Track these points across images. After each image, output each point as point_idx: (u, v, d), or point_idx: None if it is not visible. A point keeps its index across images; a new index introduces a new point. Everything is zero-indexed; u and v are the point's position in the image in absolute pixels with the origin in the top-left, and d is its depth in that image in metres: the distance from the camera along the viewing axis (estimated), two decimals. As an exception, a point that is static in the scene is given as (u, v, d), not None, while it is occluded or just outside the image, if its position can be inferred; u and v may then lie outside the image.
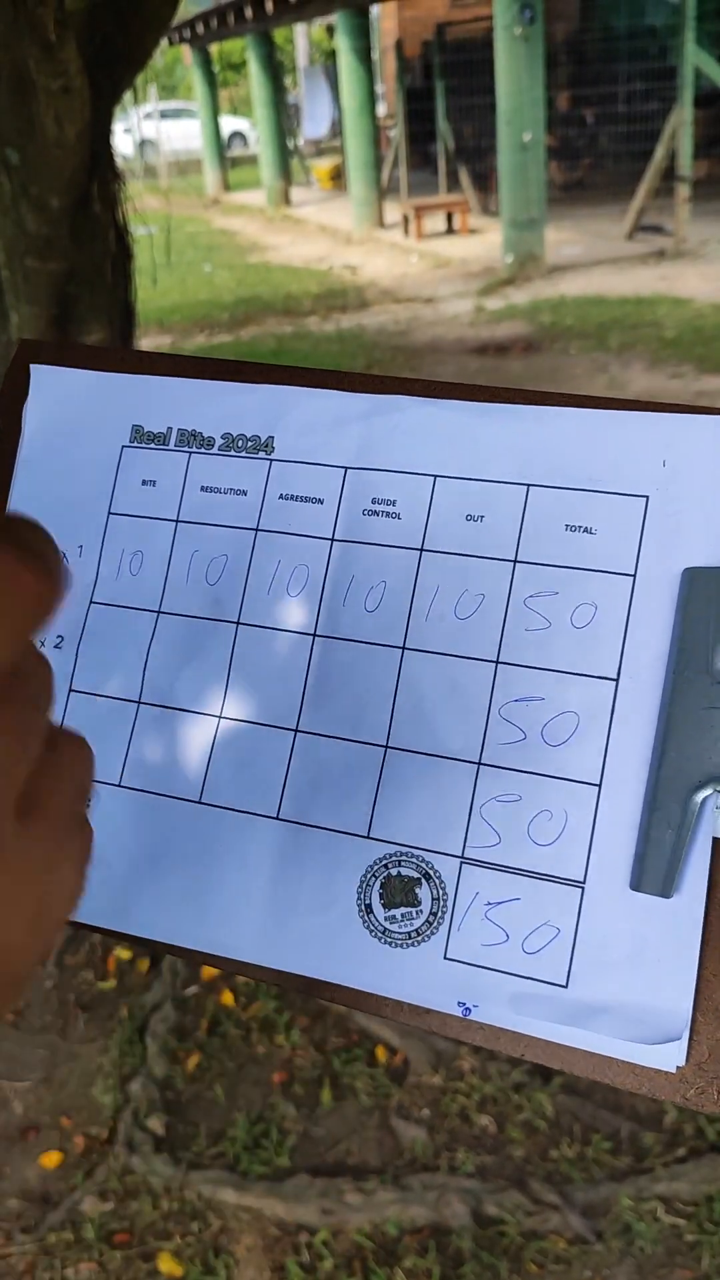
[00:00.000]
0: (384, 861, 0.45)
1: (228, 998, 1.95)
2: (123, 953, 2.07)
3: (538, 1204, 1.55)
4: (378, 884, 0.45)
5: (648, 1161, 1.60)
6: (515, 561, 0.46)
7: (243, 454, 0.51)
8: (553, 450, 0.47)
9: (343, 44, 10.48)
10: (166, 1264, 1.50)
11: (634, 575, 0.45)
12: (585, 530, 0.45)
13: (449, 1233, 1.52)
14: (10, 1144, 1.71)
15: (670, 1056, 0.41)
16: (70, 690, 0.51)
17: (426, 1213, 1.55)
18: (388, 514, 0.48)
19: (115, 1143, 1.70)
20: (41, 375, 0.55)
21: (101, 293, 2.52)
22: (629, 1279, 1.44)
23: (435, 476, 0.48)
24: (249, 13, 11.02)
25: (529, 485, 0.47)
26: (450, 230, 9.97)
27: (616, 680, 0.44)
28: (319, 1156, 1.65)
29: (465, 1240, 1.50)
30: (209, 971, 2.01)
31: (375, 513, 0.49)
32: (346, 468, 0.50)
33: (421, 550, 0.48)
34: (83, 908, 0.48)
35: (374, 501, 0.49)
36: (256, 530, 0.50)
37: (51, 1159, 1.68)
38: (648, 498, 0.45)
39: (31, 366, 0.55)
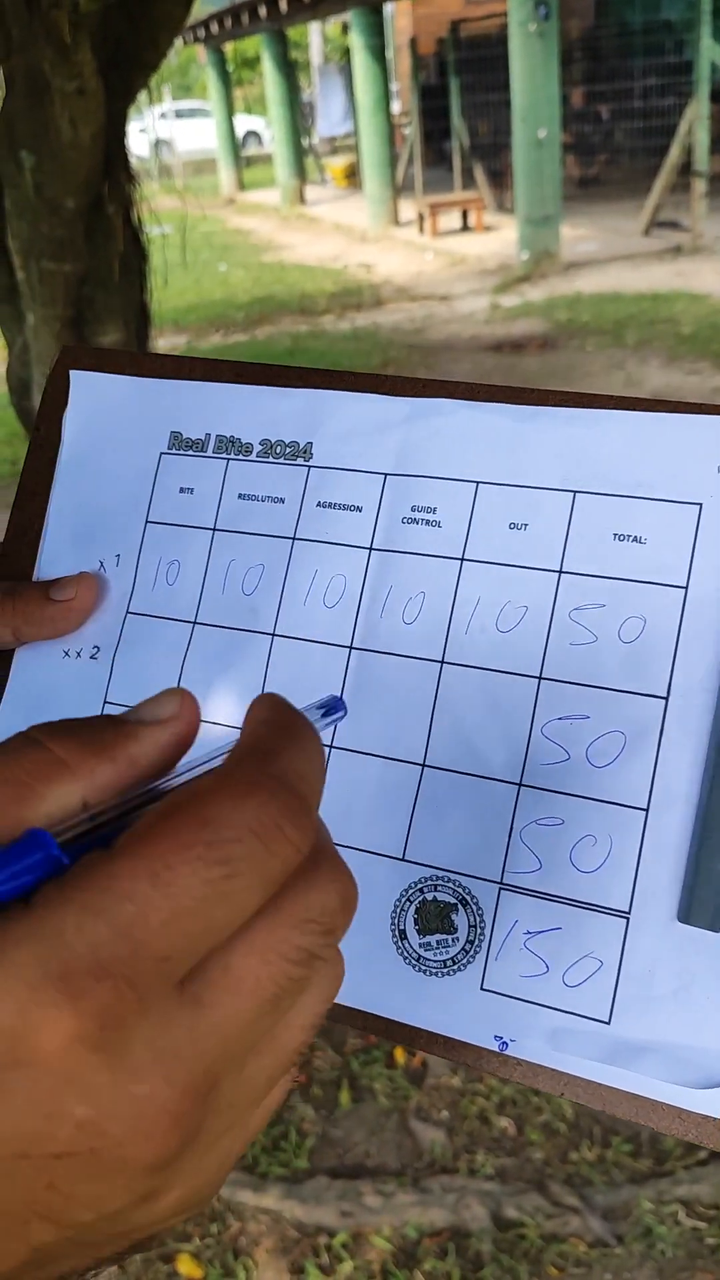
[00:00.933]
0: (419, 885, 0.43)
1: (246, 999, 1.95)
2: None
3: (558, 1207, 1.54)
4: (412, 909, 0.43)
5: (668, 1164, 1.59)
6: (560, 572, 0.44)
7: (281, 460, 0.50)
8: (601, 455, 0.45)
9: (357, 42, 10.48)
10: (186, 1266, 1.50)
11: (685, 587, 0.42)
12: (634, 539, 0.43)
13: (468, 1235, 1.51)
14: (30, 1145, 1.72)
15: (718, 1101, 0.38)
16: (105, 702, 0.50)
17: (446, 1215, 1.54)
18: (428, 522, 0.47)
19: (134, 1144, 1.70)
20: (81, 382, 0.54)
21: (117, 293, 2.53)
22: (650, 1283, 1.44)
23: (477, 483, 0.46)
24: (263, 11, 11.03)
25: (575, 492, 0.45)
26: (465, 227, 9.96)
27: (666, 698, 0.42)
28: (338, 1158, 1.65)
29: (485, 1243, 1.50)
30: (227, 972, 2.01)
31: (415, 521, 0.47)
32: (386, 474, 0.48)
33: (462, 560, 0.46)
34: None
35: (414, 509, 0.47)
36: (294, 539, 0.49)
37: (71, 1160, 1.68)
38: (701, 505, 0.43)
39: (71, 373, 0.55)
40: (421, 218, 10.00)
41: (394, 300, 7.73)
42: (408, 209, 10.83)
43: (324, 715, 0.34)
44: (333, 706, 0.34)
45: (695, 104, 7.86)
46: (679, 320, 6.08)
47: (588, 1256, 1.47)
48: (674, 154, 8.04)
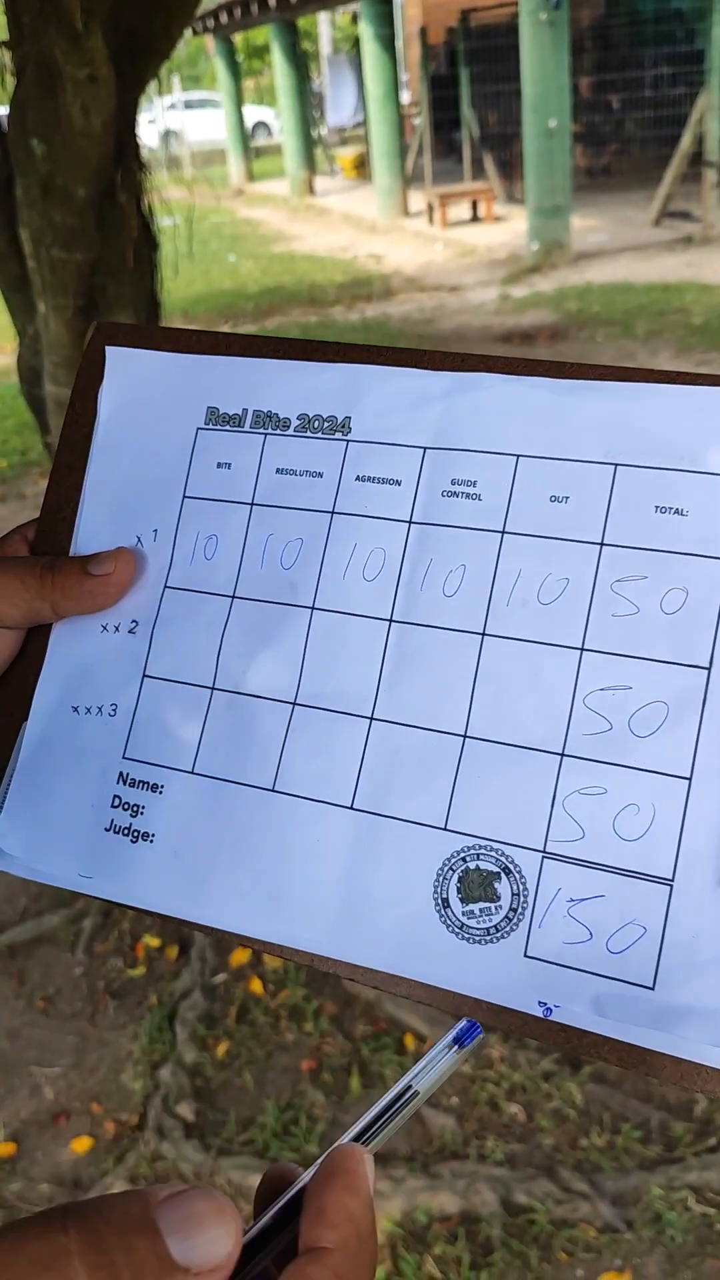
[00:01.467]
0: (462, 854, 0.44)
1: (256, 985, 1.96)
2: (152, 940, 2.09)
3: (567, 1192, 1.55)
4: (455, 877, 0.43)
5: (678, 1151, 1.59)
6: (602, 544, 0.44)
7: (319, 435, 0.50)
8: (642, 428, 0.45)
9: (366, 31, 10.45)
10: (197, 1249, 1.51)
11: None
12: (676, 512, 0.44)
13: (478, 1220, 1.52)
14: (41, 1129, 1.73)
15: None
16: (144, 676, 0.50)
17: (456, 1200, 1.55)
18: (468, 495, 0.47)
19: (145, 1128, 1.71)
20: (116, 358, 0.54)
21: (127, 283, 2.53)
22: (659, 1268, 1.44)
23: (518, 456, 0.47)
24: (272, 1, 11.00)
25: (617, 465, 0.45)
26: (475, 218, 9.93)
27: (709, 669, 0.42)
28: (348, 1144, 1.66)
29: (495, 1228, 1.51)
30: (238, 959, 2.02)
31: (455, 494, 0.47)
32: (425, 448, 0.48)
33: (503, 532, 0.46)
34: (151, 896, 0.47)
35: (454, 482, 0.47)
36: (333, 513, 0.49)
37: (82, 1144, 1.69)
38: None
39: (107, 349, 0.54)
40: (431, 208, 9.97)
41: (404, 291, 7.72)
42: (417, 200, 10.80)
43: (456, 1045, 0.39)
44: (466, 1034, 0.39)
45: (706, 94, 7.82)
46: (690, 311, 6.06)
47: (597, 1242, 1.48)
48: (685, 144, 8.01)
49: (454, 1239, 1.50)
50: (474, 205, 9.98)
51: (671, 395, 0.45)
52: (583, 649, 0.44)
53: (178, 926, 0.48)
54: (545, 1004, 0.41)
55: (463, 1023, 0.40)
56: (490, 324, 6.45)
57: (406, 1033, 1.83)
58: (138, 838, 0.48)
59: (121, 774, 0.49)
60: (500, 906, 0.43)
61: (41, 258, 2.35)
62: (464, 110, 10.49)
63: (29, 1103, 1.77)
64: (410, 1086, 0.38)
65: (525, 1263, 1.46)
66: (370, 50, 10.48)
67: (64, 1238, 0.26)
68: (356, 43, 13.51)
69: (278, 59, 13.31)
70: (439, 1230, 1.51)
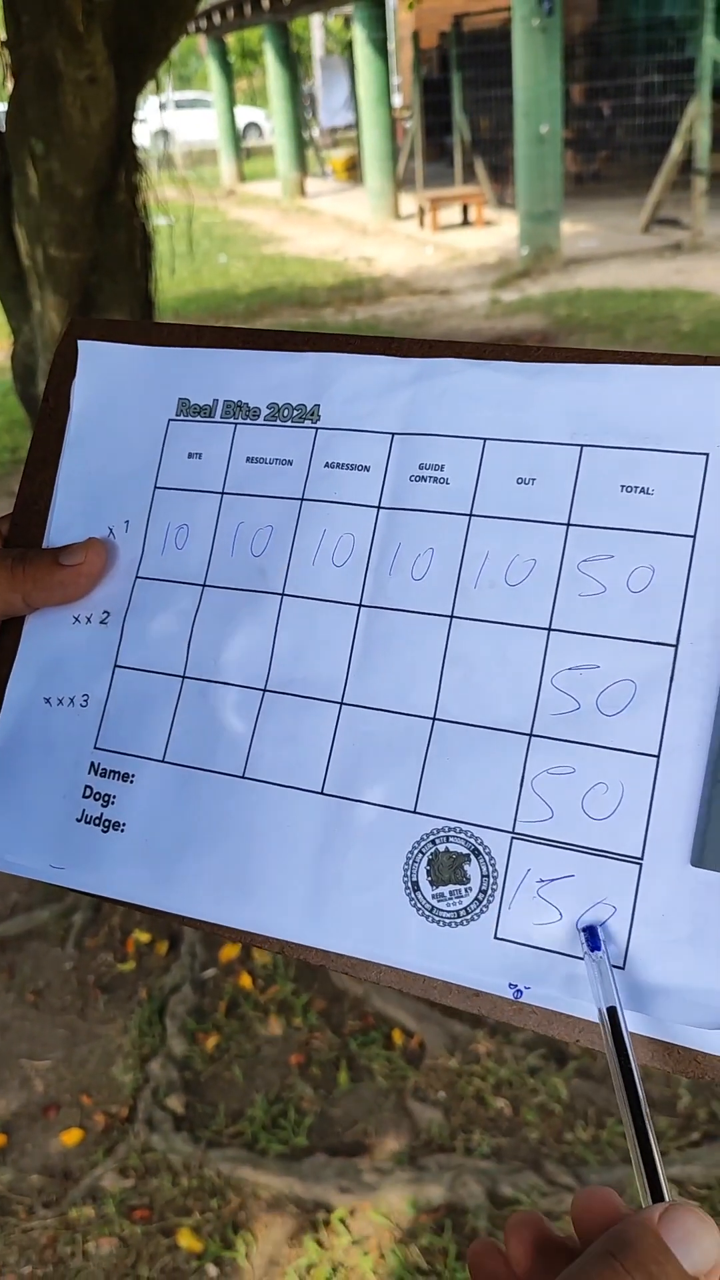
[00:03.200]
0: (431, 837, 0.44)
1: (246, 980, 1.97)
2: (142, 935, 2.10)
3: (553, 1185, 1.57)
4: (425, 860, 0.43)
5: (662, 1145, 1.61)
6: (568, 525, 0.44)
7: (289, 424, 0.50)
8: (608, 409, 0.45)
9: (359, 35, 10.48)
10: (186, 1239, 1.53)
11: (694, 536, 0.43)
12: (642, 491, 0.44)
13: (465, 1212, 1.54)
14: (32, 1121, 1.74)
15: None
16: (116, 666, 0.50)
17: (443, 1192, 1.57)
18: (435, 479, 0.47)
19: (135, 1121, 1.72)
20: (89, 352, 0.55)
21: (123, 282, 2.54)
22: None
23: (485, 440, 0.47)
24: (265, 3, 11.01)
25: (583, 446, 0.45)
26: (466, 222, 9.96)
27: (676, 646, 0.42)
28: (336, 1136, 1.68)
29: (481, 1220, 1.52)
30: (228, 954, 2.03)
31: (423, 478, 0.47)
32: (393, 434, 0.48)
33: (470, 515, 0.46)
34: (122, 886, 0.47)
35: (421, 467, 0.47)
36: (302, 500, 0.49)
37: (72, 1136, 1.70)
38: (708, 455, 0.43)
39: (79, 343, 0.55)
40: (422, 212, 9.99)
41: (394, 294, 7.74)
42: (408, 203, 10.83)
43: (593, 950, 0.41)
44: (591, 938, 0.41)
45: (697, 101, 7.86)
46: (678, 317, 6.10)
47: (582, 1233, 1.50)
48: (675, 151, 8.05)
49: (440, 1231, 1.52)
50: (465, 209, 10.01)
51: (636, 376, 0.45)
52: (550, 629, 0.44)
53: (167, 921, 0.48)
54: (515, 986, 0.41)
55: (580, 934, 0.41)
56: (480, 328, 6.47)
57: (394, 1028, 1.85)
58: (109, 827, 0.48)
59: (93, 764, 0.49)
60: (470, 889, 0.43)
61: (38, 256, 2.37)
62: (456, 114, 10.51)
63: (19, 1095, 1.79)
64: (611, 1007, 0.39)
65: (511, 1254, 1.48)
66: (363, 54, 10.51)
67: (625, 1276, 0.32)
68: (349, 46, 13.53)
69: (270, 60, 13.32)
70: (426, 1222, 1.53)
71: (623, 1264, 0.32)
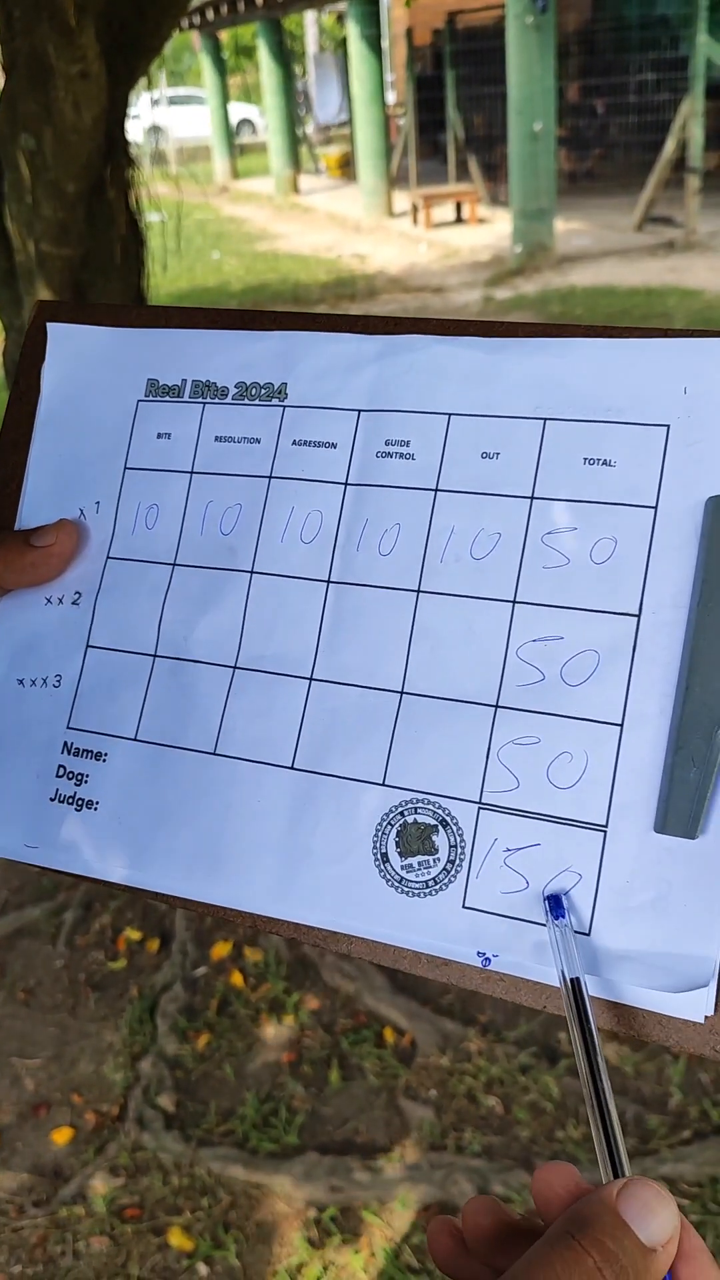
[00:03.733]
0: (399, 809, 0.44)
1: (237, 978, 1.97)
2: (133, 933, 2.09)
3: (544, 1183, 1.56)
4: (394, 832, 0.44)
5: (653, 1144, 1.61)
6: (532, 498, 0.45)
7: (256, 402, 0.51)
8: (570, 382, 0.46)
9: (353, 31, 10.46)
10: (177, 1238, 1.52)
11: (655, 507, 0.43)
12: (604, 463, 0.44)
13: (456, 1211, 1.54)
14: (22, 1120, 1.73)
15: (698, 1005, 0.39)
16: (88, 646, 0.51)
17: (434, 1191, 1.56)
18: (401, 455, 0.47)
19: (126, 1120, 1.72)
20: (58, 334, 0.55)
21: (115, 278, 2.53)
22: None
23: (450, 415, 0.47)
24: (259, -1, 10.99)
25: (546, 419, 0.46)
26: (459, 220, 9.95)
27: (638, 616, 0.43)
28: (327, 1135, 1.67)
29: (472, 1218, 1.52)
30: (219, 952, 2.03)
31: (389, 454, 0.48)
32: (360, 410, 0.49)
33: (436, 490, 0.47)
34: (94, 863, 0.48)
35: (387, 443, 0.48)
36: (270, 478, 0.49)
37: (63, 1135, 1.70)
38: (668, 426, 0.44)
39: (48, 325, 0.55)
40: (416, 209, 9.99)
41: (387, 291, 7.73)
42: (402, 200, 10.81)
43: (557, 918, 0.41)
44: (555, 907, 0.41)
45: (690, 100, 7.87)
46: (671, 315, 6.10)
47: (573, 1232, 1.50)
48: (668, 149, 8.06)
49: (431, 1229, 1.51)
50: (458, 207, 10.00)
51: (597, 349, 0.46)
52: (515, 601, 0.44)
53: (158, 918, 0.48)
54: (484, 954, 0.42)
55: (544, 903, 0.41)
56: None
57: (386, 1026, 1.84)
58: (82, 806, 0.49)
59: (66, 744, 0.50)
60: (438, 859, 0.43)
61: (30, 252, 2.36)
62: (449, 112, 10.51)
63: (10, 1093, 1.78)
64: (575, 978, 0.39)
65: (502, 1252, 1.48)
66: (356, 50, 10.49)
67: (584, 1255, 0.32)
68: (343, 42, 13.52)
69: (264, 57, 13.29)
70: (417, 1220, 1.53)
71: (581, 1242, 0.32)
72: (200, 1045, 1.84)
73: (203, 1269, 1.49)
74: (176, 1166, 1.63)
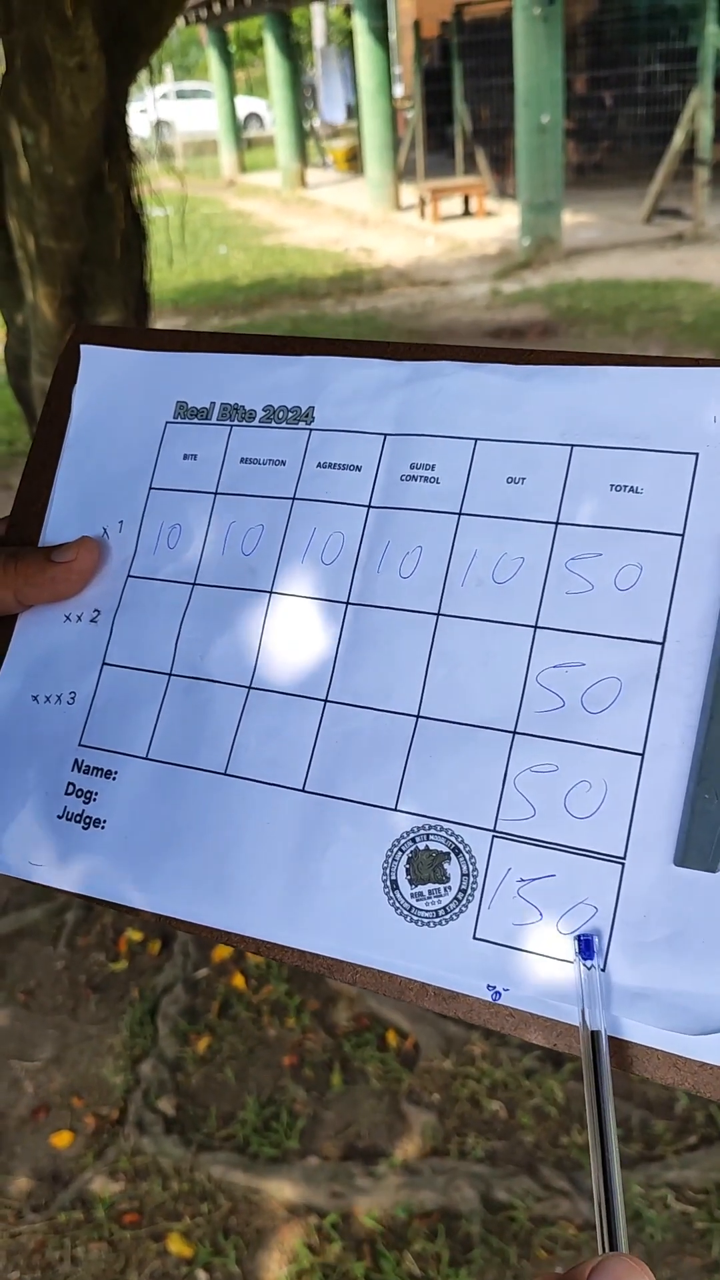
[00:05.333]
0: (411, 835, 0.43)
1: (239, 980, 1.95)
2: (134, 934, 2.08)
3: (548, 1190, 1.55)
4: (404, 859, 0.43)
5: (659, 1149, 1.59)
6: (557, 523, 0.45)
7: (283, 425, 0.51)
8: (598, 409, 0.46)
9: (360, 24, 10.41)
10: (176, 1244, 1.51)
11: (682, 535, 0.43)
12: (631, 490, 0.44)
13: (458, 1217, 1.52)
14: (21, 1123, 1.72)
15: (717, 1048, 0.38)
16: (104, 664, 0.50)
17: (436, 1197, 1.55)
18: (426, 479, 0.47)
19: (126, 1123, 1.70)
20: (90, 356, 0.56)
21: (117, 273, 2.51)
22: (638, 1266, 1.44)
23: (476, 440, 0.47)
24: (266, -8, 10.95)
25: (573, 445, 0.45)
26: (467, 213, 9.92)
27: (662, 644, 0.42)
28: (329, 1139, 1.66)
29: (475, 1225, 1.50)
30: (220, 954, 2.01)
31: (413, 478, 0.48)
32: (386, 434, 0.49)
33: (460, 514, 0.46)
34: (100, 884, 0.47)
35: (412, 467, 0.48)
36: (293, 499, 0.49)
37: (62, 1139, 1.68)
38: (697, 455, 0.43)
39: (81, 347, 0.56)
40: (423, 202, 9.95)
41: (394, 285, 7.70)
42: (409, 193, 10.78)
43: (587, 958, 0.40)
44: (585, 948, 0.40)
45: (699, 91, 7.82)
46: (680, 308, 6.06)
47: (577, 1239, 1.48)
48: (677, 141, 8.01)
49: (434, 1236, 1.50)
50: (466, 200, 9.96)
51: (627, 376, 0.46)
52: (536, 626, 0.44)
53: (159, 921, 0.47)
54: (494, 987, 0.41)
55: (575, 941, 0.40)
56: (481, 319, 6.44)
57: (389, 1029, 1.83)
58: (89, 824, 0.48)
59: (77, 761, 0.49)
60: (449, 888, 0.42)
61: (29, 246, 2.34)
62: (457, 104, 10.46)
63: (9, 1096, 1.77)
64: (595, 1030, 0.38)
65: (505, 1260, 1.46)
66: (363, 43, 10.44)
67: None
68: (350, 35, 13.48)
69: (271, 50, 13.25)
70: (419, 1227, 1.51)
71: None
72: (201, 1048, 1.83)
73: (202, 1276, 1.47)
74: (176, 1171, 1.62)
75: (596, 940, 0.40)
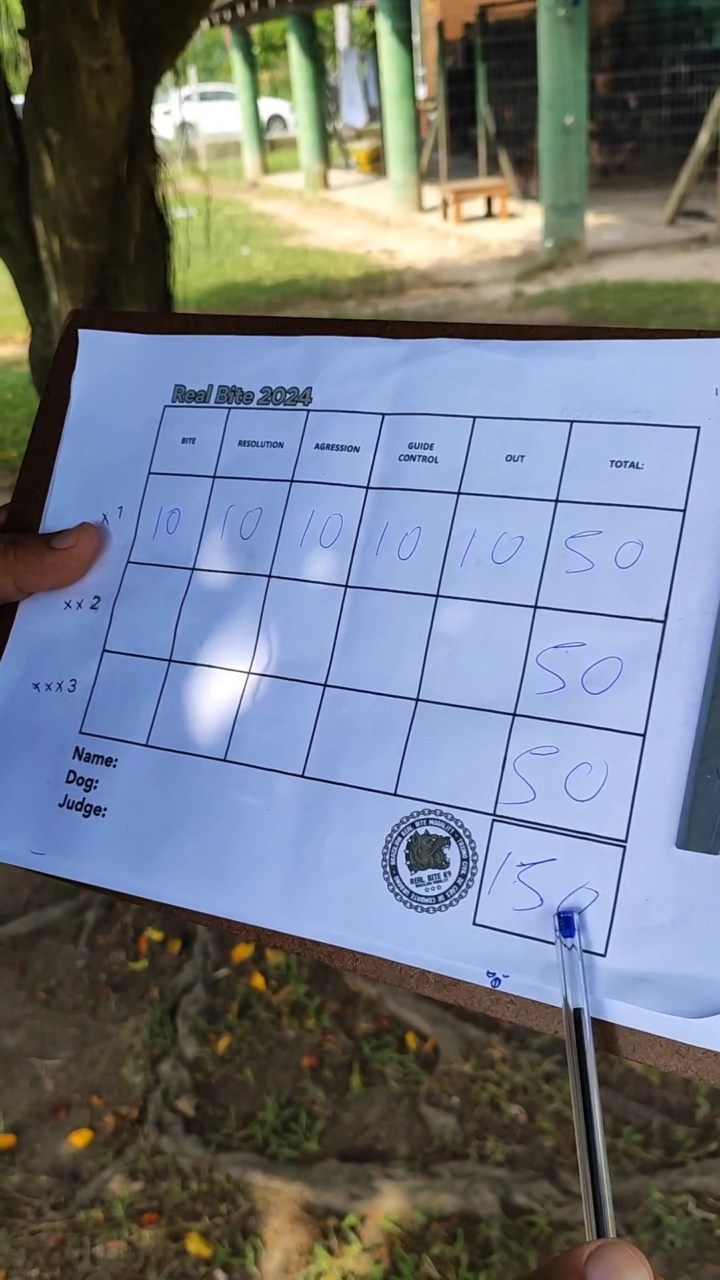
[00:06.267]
0: (411, 820, 0.43)
1: (258, 981, 1.95)
2: (154, 933, 2.08)
3: (567, 1195, 1.54)
4: (404, 844, 0.42)
5: (679, 1155, 1.58)
6: (557, 501, 0.44)
7: (281, 406, 0.50)
8: (597, 384, 0.45)
9: (384, 25, 10.41)
10: (195, 1244, 1.51)
11: (684, 510, 0.42)
12: (632, 465, 0.43)
13: (477, 1221, 1.51)
14: (41, 1121, 1.72)
15: (718, 1032, 0.37)
16: (104, 651, 0.50)
17: (455, 1201, 1.54)
18: (424, 458, 0.47)
19: (145, 1123, 1.70)
20: (89, 341, 0.55)
21: (140, 274, 2.52)
22: (658, 1272, 1.43)
23: (474, 418, 0.46)
24: (290, -6, 10.97)
25: (572, 422, 0.45)
26: (490, 214, 9.90)
27: (664, 622, 0.41)
28: (348, 1141, 1.65)
29: (494, 1229, 1.50)
30: (240, 954, 2.02)
31: (412, 458, 0.47)
32: (384, 414, 0.48)
33: (459, 494, 0.46)
34: (100, 872, 0.47)
35: (410, 446, 0.47)
36: (291, 481, 0.49)
37: (82, 1137, 1.69)
38: (699, 428, 0.43)
39: (80, 332, 0.55)
40: (446, 204, 9.94)
41: (417, 286, 7.70)
42: (432, 195, 10.77)
43: (567, 936, 0.39)
44: (565, 925, 0.39)
45: (724, 92, 7.79)
46: (703, 311, 6.03)
47: (597, 1245, 1.47)
48: (701, 143, 7.97)
49: (453, 1239, 1.49)
50: (489, 201, 9.95)
51: (626, 350, 0.45)
52: (536, 606, 0.43)
53: (172, 916, 0.47)
54: (494, 974, 0.40)
55: (554, 919, 0.39)
56: (503, 321, 6.42)
57: (408, 1031, 1.82)
58: (90, 812, 0.48)
59: (77, 749, 0.49)
60: (449, 873, 0.42)
61: (54, 248, 2.35)
62: (480, 106, 10.45)
63: (29, 1094, 1.77)
64: (578, 1008, 0.37)
65: (524, 1264, 1.46)
66: (387, 45, 10.45)
67: None
68: (373, 37, 13.48)
69: (294, 52, 13.28)
70: (438, 1230, 1.51)
71: None
72: (220, 1048, 1.83)
73: (220, 1276, 1.47)
74: (195, 1171, 1.62)
75: (576, 917, 0.39)
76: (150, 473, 0.52)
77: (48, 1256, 1.51)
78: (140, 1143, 1.67)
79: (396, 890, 0.42)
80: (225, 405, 0.51)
